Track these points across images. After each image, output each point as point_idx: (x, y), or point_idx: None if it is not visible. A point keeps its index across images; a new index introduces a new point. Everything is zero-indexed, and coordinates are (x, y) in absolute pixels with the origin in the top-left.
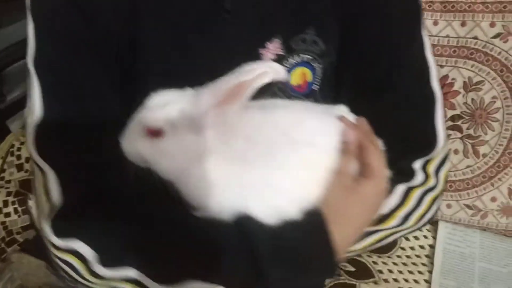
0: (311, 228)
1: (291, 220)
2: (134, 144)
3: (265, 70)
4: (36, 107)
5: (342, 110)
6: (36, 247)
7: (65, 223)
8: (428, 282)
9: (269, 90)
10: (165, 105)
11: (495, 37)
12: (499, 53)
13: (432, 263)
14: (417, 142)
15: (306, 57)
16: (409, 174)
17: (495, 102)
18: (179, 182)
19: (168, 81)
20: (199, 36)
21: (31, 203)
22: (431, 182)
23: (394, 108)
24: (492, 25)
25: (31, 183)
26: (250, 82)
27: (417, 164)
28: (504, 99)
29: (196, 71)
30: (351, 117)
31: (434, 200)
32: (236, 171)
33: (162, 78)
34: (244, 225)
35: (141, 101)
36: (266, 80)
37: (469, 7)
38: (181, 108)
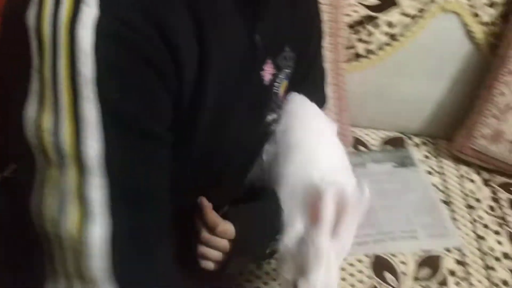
0: None
1: None
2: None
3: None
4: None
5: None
6: None
7: None
8: None
9: (269, 106)
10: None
11: None
12: None
13: None
14: (324, 101)
15: (287, 71)
16: None
17: None
18: None
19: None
20: (246, 76)
21: None
22: None
23: (316, 82)
24: None
25: None
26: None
27: None
28: None
29: (247, 111)
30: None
31: None
32: None
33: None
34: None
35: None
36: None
37: None
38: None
